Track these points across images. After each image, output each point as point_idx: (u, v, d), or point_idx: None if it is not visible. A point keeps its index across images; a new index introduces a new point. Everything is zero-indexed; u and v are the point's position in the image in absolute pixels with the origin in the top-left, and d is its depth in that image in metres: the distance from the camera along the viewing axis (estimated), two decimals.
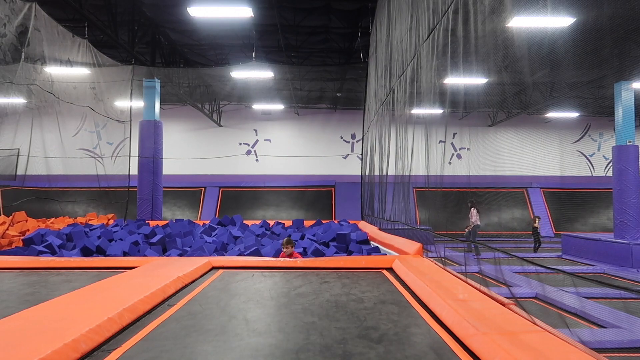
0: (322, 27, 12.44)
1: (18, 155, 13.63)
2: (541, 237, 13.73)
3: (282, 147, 19.22)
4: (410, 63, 7.12)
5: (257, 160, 19.37)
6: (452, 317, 3.19)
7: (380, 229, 9.63)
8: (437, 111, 6.42)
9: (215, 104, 18.61)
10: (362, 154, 15.03)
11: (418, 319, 3.53)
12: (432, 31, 5.76)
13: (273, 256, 7.16)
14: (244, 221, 11.79)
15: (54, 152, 12.34)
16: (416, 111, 7.23)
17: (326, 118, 19.45)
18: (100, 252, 7.96)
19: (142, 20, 12.08)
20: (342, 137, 19.42)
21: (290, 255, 6.60)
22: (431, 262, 5.57)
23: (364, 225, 11.26)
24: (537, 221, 13.47)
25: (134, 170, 13.51)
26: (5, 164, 14.25)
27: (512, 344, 2.55)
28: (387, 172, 9.72)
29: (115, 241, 8.69)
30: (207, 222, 12.32)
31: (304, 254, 7.67)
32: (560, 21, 7.07)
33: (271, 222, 12.21)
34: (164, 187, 14.42)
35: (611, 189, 11.87)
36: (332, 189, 18.32)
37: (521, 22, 5.52)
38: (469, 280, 4.38)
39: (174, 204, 17.73)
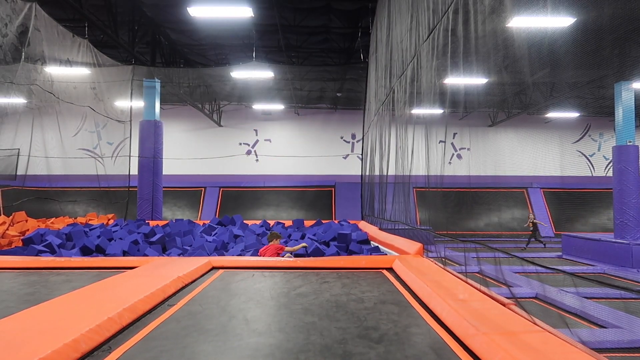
0: (322, 27, 12.44)
1: (18, 155, 13.61)
2: (540, 236, 13.81)
3: (282, 147, 19.22)
4: (411, 63, 7.11)
5: (257, 160, 19.37)
6: (452, 317, 3.19)
7: (380, 229, 9.63)
8: (437, 111, 6.42)
9: (215, 104, 18.61)
10: (362, 154, 15.02)
11: (418, 319, 3.53)
12: (432, 31, 5.76)
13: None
14: (244, 221, 11.79)
15: (54, 152, 12.32)
16: (416, 111, 7.23)
17: (326, 118, 19.45)
18: (100, 251, 7.95)
19: (142, 20, 12.08)
20: (342, 137, 19.41)
21: (277, 249, 6.79)
22: (431, 262, 5.57)
23: (364, 225, 11.25)
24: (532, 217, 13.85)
25: (134, 170, 13.51)
26: (5, 164, 14.24)
27: (512, 344, 2.55)
28: (387, 172, 9.71)
29: (115, 240, 8.68)
30: (207, 222, 12.32)
31: (304, 252, 7.64)
32: (561, 21, 7.05)
33: (271, 222, 12.22)
34: (164, 187, 14.41)
35: (611, 189, 11.86)
36: (332, 189, 18.31)
37: (521, 22, 5.51)
38: (469, 281, 4.38)
39: (174, 204, 17.73)
